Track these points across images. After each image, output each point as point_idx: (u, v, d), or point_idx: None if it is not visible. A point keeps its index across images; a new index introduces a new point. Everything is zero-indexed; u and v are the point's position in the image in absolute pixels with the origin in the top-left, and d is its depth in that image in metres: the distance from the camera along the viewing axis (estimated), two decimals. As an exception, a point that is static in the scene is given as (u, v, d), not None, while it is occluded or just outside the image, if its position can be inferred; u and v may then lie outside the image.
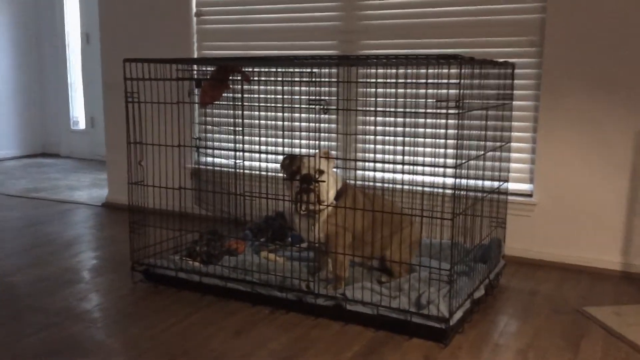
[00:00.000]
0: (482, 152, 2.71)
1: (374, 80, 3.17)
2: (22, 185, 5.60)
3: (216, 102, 3.34)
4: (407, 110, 2.54)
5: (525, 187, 3.49)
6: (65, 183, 5.74)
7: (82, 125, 7.33)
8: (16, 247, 3.77)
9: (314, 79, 2.96)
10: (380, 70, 3.13)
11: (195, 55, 4.33)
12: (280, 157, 2.95)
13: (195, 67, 3.49)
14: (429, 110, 2.59)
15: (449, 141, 2.32)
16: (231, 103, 3.35)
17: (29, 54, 7.25)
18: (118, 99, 4.47)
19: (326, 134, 3.87)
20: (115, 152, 4.66)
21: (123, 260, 3.29)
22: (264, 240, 3.39)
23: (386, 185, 2.94)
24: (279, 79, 3.10)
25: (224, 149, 3.66)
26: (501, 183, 3.03)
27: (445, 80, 2.37)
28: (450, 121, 2.28)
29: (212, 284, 2.87)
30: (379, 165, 2.92)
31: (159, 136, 3.13)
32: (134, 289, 3.02)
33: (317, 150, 2.80)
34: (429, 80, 2.45)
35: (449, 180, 2.42)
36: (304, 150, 3.02)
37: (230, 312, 2.72)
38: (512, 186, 3.37)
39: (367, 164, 2.85)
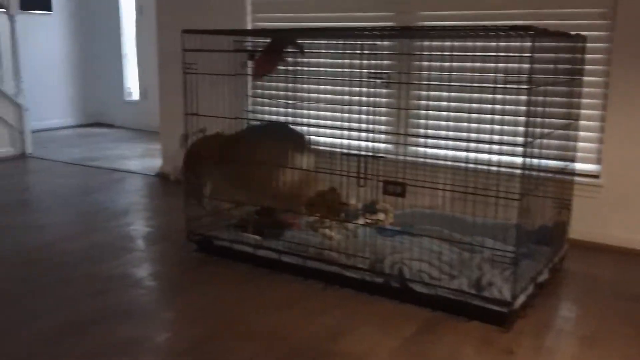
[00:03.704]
0: (551, 130, 2.59)
1: (440, 53, 3.05)
2: (77, 154, 5.71)
3: (270, 75, 3.30)
4: (475, 84, 2.43)
5: (591, 167, 3.34)
6: (118, 152, 5.82)
7: (135, 96, 7.41)
8: (72, 214, 3.85)
9: (373, 52, 2.87)
10: (436, 43, 3.02)
11: (249, 27, 4.29)
12: (336, 131, 2.89)
13: (248, 39, 3.44)
14: (498, 85, 2.47)
15: (517, 118, 2.22)
16: (285, 75, 3.30)
17: (84, 25, 7.35)
18: (173, 70, 4.50)
19: (384, 109, 3.78)
20: (169, 123, 4.69)
21: (177, 230, 3.32)
22: (319, 216, 3.34)
23: (446, 162, 2.85)
24: (334, 51, 3.03)
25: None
26: (568, 163, 2.90)
27: (517, 54, 2.25)
28: (520, 97, 2.17)
29: (266, 257, 2.86)
30: (441, 142, 2.83)
31: (212, 108, 3.10)
32: (188, 258, 3.04)
33: None
34: (500, 54, 2.33)
35: (515, 159, 2.32)
36: (360, 125, 2.95)
37: (283, 285, 2.70)
38: (577, 166, 3.22)
39: (428, 140, 2.77)
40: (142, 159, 5.53)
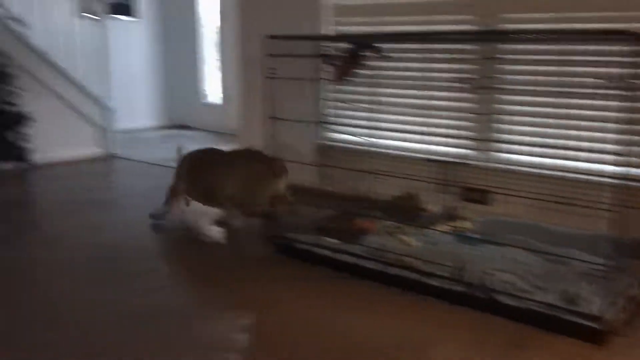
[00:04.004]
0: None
1: (529, 56, 2.96)
2: (159, 154, 5.90)
3: (350, 79, 3.30)
4: (568, 90, 2.34)
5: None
6: (198, 154, 5.98)
7: (214, 99, 7.60)
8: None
9: (456, 56, 2.83)
10: (521, 47, 2.93)
11: (330, 31, 4.30)
12: (417, 136, 2.86)
13: (326, 43, 3.46)
14: (593, 91, 2.37)
15: (613, 126, 2.12)
16: (364, 80, 3.30)
17: (168, 30, 7.61)
18: (253, 74, 4.58)
19: (467, 114, 3.70)
20: (248, 126, 4.77)
21: (257, 231, 3.36)
22: (396, 221, 3.32)
23: (535, 170, 2.76)
24: (416, 55, 3.00)
25: (356, 126, 3.62)
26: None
27: (616, 58, 2.15)
28: (619, 104, 2.07)
29: (345, 261, 2.86)
30: (527, 148, 2.75)
31: (291, 111, 3.13)
32: (267, 260, 3.07)
33: None
34: (597, 58, 2.24)
35: (608, 168, 2.21)
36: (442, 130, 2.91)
37: (363, 290, 2.69)
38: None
39: (512, 146, 2.70)
40: (221, 161, 5.64)
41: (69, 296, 2.65)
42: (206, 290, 2.72)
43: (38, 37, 5.32)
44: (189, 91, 7.69)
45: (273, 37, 3.08)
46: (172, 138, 6.89)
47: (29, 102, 4.93)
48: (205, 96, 7.65)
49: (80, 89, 5.66)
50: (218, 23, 7.24)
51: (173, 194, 3.70)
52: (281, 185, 3.40)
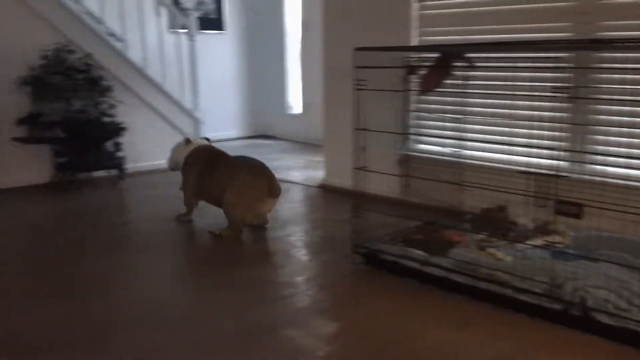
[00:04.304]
0: None
1: (627, 65, 2.84)
2: (245, 164, 6.05)
3: (437, 90, 3.27)
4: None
5: None
6: (282, 163, 6.09)
7: (296, 109, 7.73)
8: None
9: (554, 65, 2.74)
10: (620, 55, 2.81)
11: (415, 42, 4.28)
12: (505, 147, 2.80)
13: (412, 53, 3.45)
14: None
15: None
16: (452, 90, 3.26)
17: (252, 43, 7.82)
18: (337, 85, 4.64)
19: (561, 124, 3.59)
20: (333, 136, 4.82)
21: (342, 242, 3.39)
22: (486, 235, 3.25)
23: (632, 183, 2.64)
24: (508, 64, 2.93)
25: (444, 137, 3.59)
26: None
27: None
28: None
29: (433, 274, 2.83)
30: (623, 160, 2.63)
31: (376, 122, 3.14)
32: (353, 271, 3.09)
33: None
34: None
35: None
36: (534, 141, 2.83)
37: (452, 305, 2.65)
38: None
39: (611, 158, 2.59)
40: (305, 170, 5.74)
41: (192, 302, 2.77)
42: (292, 303, 2.75)
43: (134, 51, 5.61)
44: (273, 101, 7.86)
45: (361, 49, 3.11)
46: (254, 147, 7.07)
47: (125, 113, 5.20)
48: (289, 107, 7.79)
49: (172, 100, 5.91)
50: (300, 34, 7.37)
51: (188, 194, 3.97)
52: (272, 205, 3.77)
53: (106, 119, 5.00)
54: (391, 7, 4.36)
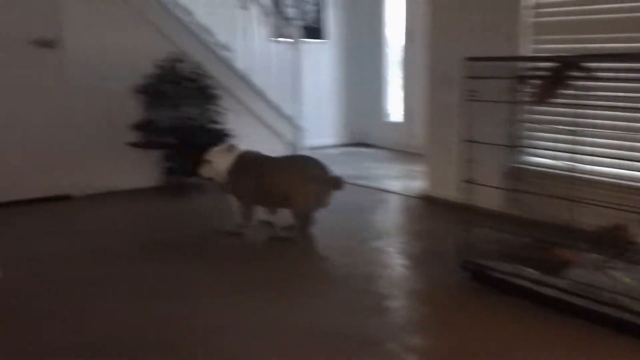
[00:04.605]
0: None
1: None
2: (343, 172, 6.05)
3: (552, 100, 3.13)
4: None
5: None
6: (379, 172, 6.07)
7: (394, 117, 7.68)
8: (339, 229, 4.07)
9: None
10: None
11: (529, 51, 4.13)
12: (623, 162, 2.63)
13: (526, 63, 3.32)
14: None
15: None
16: (569, 101, 3.11)
17: (353, 52, 7.85)
18: (443, 94, 4.55)
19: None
20: (437, 146, 4.74)
21: (446, 255, 3.30)
22: (603, 255, 3.07)
23: None
24: (633, 75, 2.75)
25: (557, 150, 3.42)
26: None
27: None
28: None
29: (547, 295, 2.70)
30: None
31: (483, 133, 3.04)
32: (459, 286, 3.00)
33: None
34: None
35: None
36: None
37: (567, 329, 2.51)
38: None
39: None
40: (402, 180, 5.67)
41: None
42: (395, 316, 2.72)
43: (239, 60, 5.78)
44: (372, 109, 7.85)
45: (472, 59, 3.03)
46: (351, 155, 7.08)
47: (229, 120, 5.36)
48: (387, 115, 7.75)
49: (275, 108, 6.04)
50: (403, 43, 7.31)
51: (246, 200, 3.86)
52: (330, 198, 3.75)
53: (213, 126, 5.17)
54: (502, 15, 4.23)
